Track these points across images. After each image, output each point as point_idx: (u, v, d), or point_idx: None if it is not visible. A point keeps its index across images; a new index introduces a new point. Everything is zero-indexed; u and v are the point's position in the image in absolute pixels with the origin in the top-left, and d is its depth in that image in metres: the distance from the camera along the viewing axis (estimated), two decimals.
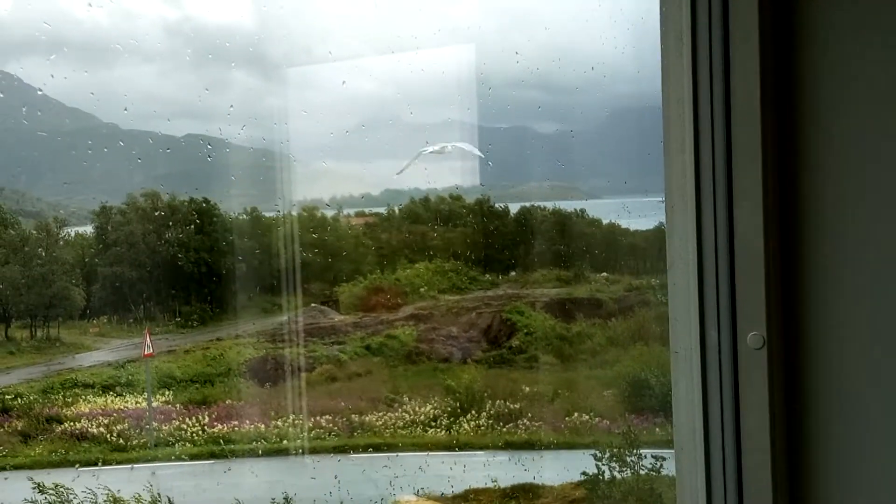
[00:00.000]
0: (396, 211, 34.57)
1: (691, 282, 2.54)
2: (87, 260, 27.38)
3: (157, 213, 26.18)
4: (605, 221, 33.88)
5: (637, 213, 29.69)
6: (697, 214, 2.52)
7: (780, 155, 2.45)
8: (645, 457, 14.28)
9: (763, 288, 2.41)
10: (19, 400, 19.95)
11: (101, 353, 23.91)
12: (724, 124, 2.47)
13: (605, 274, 27.13)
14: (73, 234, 28.01)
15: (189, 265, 26.19)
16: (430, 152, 18.37)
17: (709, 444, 2.54)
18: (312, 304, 24.91)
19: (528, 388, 20.56)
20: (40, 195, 29.25)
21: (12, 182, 29.14)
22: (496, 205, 33.69)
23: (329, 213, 32.06)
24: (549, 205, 33.68)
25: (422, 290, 26.52)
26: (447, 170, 27.55)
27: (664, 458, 13.95)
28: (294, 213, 29.00)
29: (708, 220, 2.51)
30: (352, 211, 34.15)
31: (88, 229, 28.26)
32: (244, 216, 29.81)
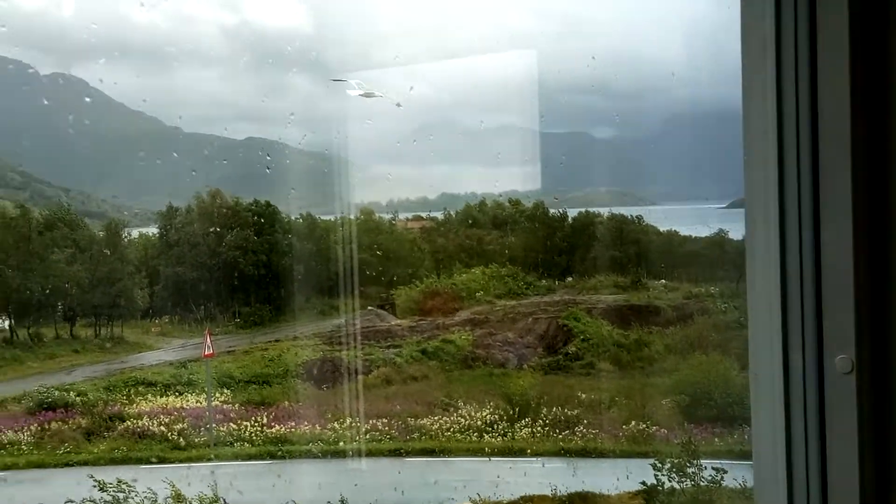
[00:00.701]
0: (453, 215, 34.61)
1: (773, 302, 2.43)
2: (150, 260, 27.87)
3: (219, 212, 26.53)
4: (662, 228, 33.52)
5: (696, 220, 29.32)
6: (781, 232, 2.42)
7: (871, 169, 2.35)
8: (705, 468, 14.02)
9: (852, 308, 2.30)
10: (83, 397, 20.33)
11: (162, 352, 24.32)
12: (811, 137, 2.37)
13: (663, 281, 26.82)
14: (136, 234, 28.54)
15: (249, 267, 26.50)
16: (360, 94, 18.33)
17: (792, 477, 2.43)
18: (369, 307, 25.03)
19: (584, 395, 20.34)
20: (105, 196, 29.82)
21: (79, 184, 29.76)
22: (553, 210, 33.55)
23: (386, 217, 32.22)
24: (606, 210, 33.42)
25: (478, 294, 26.49)
26: (505, 174, 27.48)
27: (725, 471, 13.69)
28: (351, 216, 29.18)
29: (793, 237, 2.40)
30: (409, 215, 34.25)
31: (152, 230, 28.76)
32: (303, 219, 30.06)
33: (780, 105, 2.43)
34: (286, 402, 20.77)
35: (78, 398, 20.24)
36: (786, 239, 2.41)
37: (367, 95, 18.01)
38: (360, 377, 21.42)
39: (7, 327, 24.04)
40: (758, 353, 2.54)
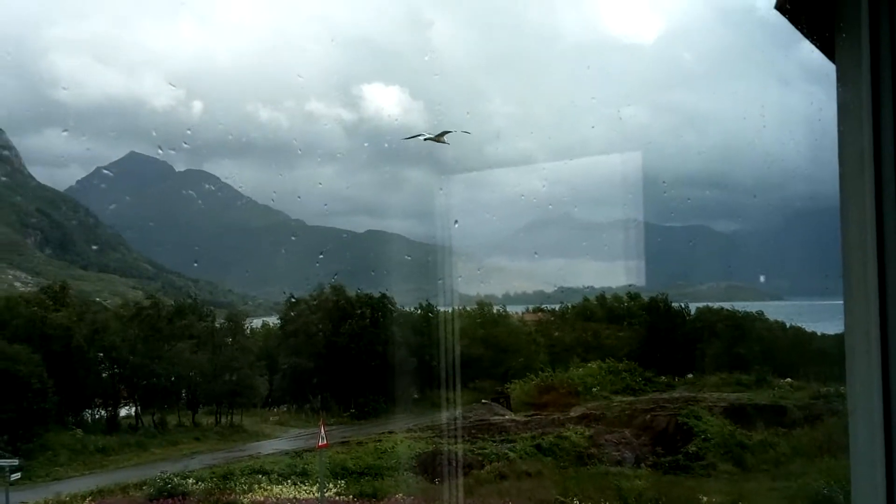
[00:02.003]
0: (570, 308, 34.34)
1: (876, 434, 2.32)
2: (270, 350, 28.56)
3: (339, 305, 27.09)
4: (787, 324, 32.39)
5: (822, 317, 28.18)
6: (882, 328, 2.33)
7: None
8: None
9: None
10: (201, 484, 20.72)
11: (279, 441, 24.68)
12: None
13: (788, 379, 25.80)
14: (259, 324, 29.35)
15: (364, 357, 26.83)
16: (425, 139, 18.06)
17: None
18: (483, 400, 24.88)
19: (705, 498, 19.50)
20: (231, 286, 31.02)
21: (207, 274, 31.11)
22: (673, 304, 32.88)
23: (501, 310, 32.22)
24: (728, 305, 32.54)
25: (594, 389, 26.03)
26: (623, 268, 27.24)
27: None
28: (467, 308, 29.33)
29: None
30: (525, 307, 34.18)
31: (273, 320, 29.55)
32: (418, 310, 30.37)
33: (879, 219, 2.37)
34: (399, 495, 20.66)
35: (197, 485, 20.65)
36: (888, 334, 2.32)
37: (438, 140, 18.10)
38: (474, 471, 21.16)
39: (133, 414, 24.90)
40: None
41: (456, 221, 22.66)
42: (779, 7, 2.75)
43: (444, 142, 17.04)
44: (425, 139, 16.91)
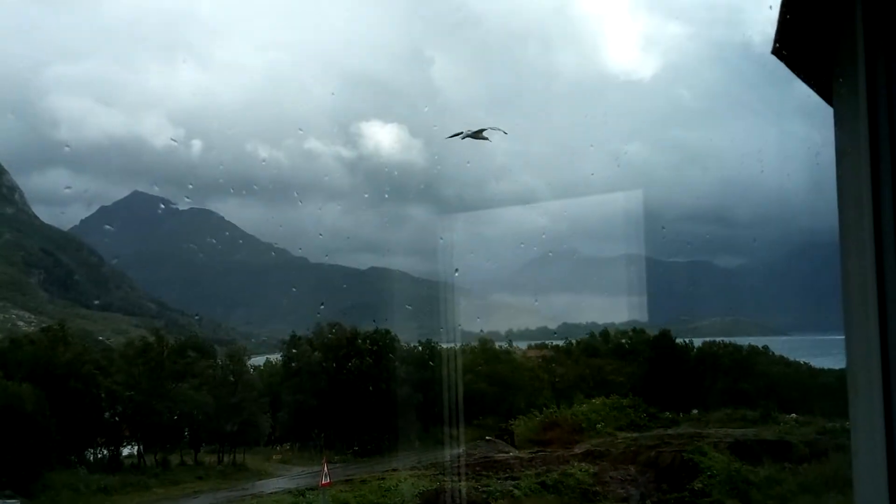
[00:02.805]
0: (574, 344, 34.24)
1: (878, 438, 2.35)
2: (273, 388, 28.49)
3: (342, 342, 27.06)
4: (792, 359, 32.24)
5: (826, 351, 28.06)
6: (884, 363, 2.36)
7: None
8: None
9: None
10: None
11: (282, 479, 24.51)
12: None
13: (794, 415, 25.65)
14: (262, 361, 29.31)
15: (368, 395, 26.75)
16: (464, 137, 17.72)
17: None
18: (486, 437, 24.76)
19: None
20: (235, 324, 31.07)
21: (211, 312, 31.16)
22: (678, 339, 32.79)
23: (505, 346, 32.15)
24: (732, 340, 32.44)
25: (598, 425, 25.88)
26: (627, 304, 27.22)
27: None
28: (470, 344, 29.28)
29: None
30: (528, 343, 34.10)
31: (277, 357, 29.53)
32: (421, 347, 30.32)
33: (879, 265, 2.39)
34: None
35: None
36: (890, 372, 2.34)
37: (477, 137, 17.87)
38: None
39: (136, 453, 24.78)
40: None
41: (456, 270, 22.64)
42: (775, 52, 2.81)
43: (484, 138, 16.93)
44: (464, 137, 16.80)
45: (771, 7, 2.69)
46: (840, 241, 2.56)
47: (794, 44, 2.80)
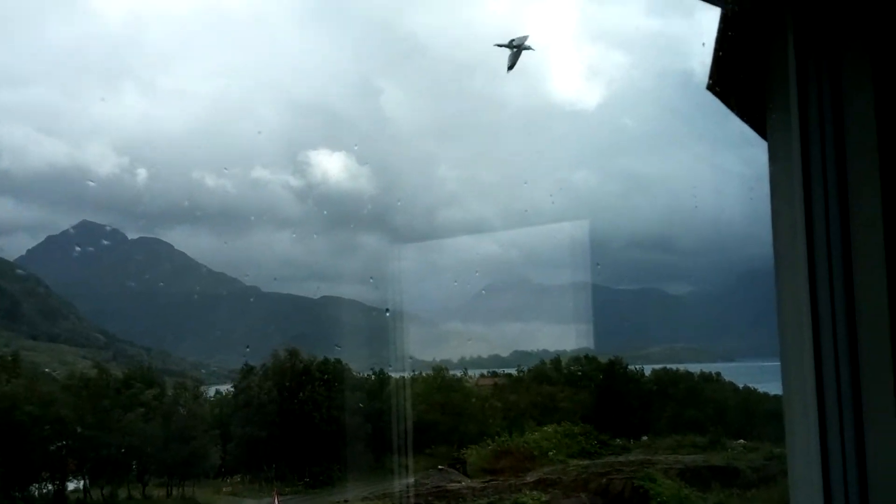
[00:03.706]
0: (526, 372, 34.35)
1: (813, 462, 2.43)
2: (224, 418, 28.12)
3: (293, 372, 26.84)
4: (740, 385, 32.70)
5: (773, 377, 28.48)
6: (819, 390, 2.45)
7: None
8: None
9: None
10: None
11: None
12: (847, 334, 2.42)
13: (741, 441, 25.99)
14: (212, 392, 28.97)
15: (320, 425, 26.54)
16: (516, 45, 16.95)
17: None
18: (439, 466, 24.67)
19: None
20: (185, 354, 30.62)
21: (160, 342, 30.68)
22: (629, 366, 33.08)
23: (457, 374, 32.14)
24: (682, 367, 32.84)
25: (550, 453, 25.94)
26: (578, 331, 27.41)
27: None
28: (422, 373, 29.24)
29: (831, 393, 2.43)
30: (481, 372, 34.13)
31: (227, 387, 29.20)
32: (373, 376, 30.21)
33: (814, 301, 2.49)
34: None
35: None
36: (825, 396, 2.43)
37: (515, 48, 17.03)
38: None
39: (81, 487, 24.27)
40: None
41: (409, 289, 22.69)
42: (710, 88, 2.93)
43: (528, 47, 16.36)
44: (504, 46, 16.18)
45: (704, 44, 2.81)
46: (775, 273, 2.66)
47: (728, 80, 2.92)
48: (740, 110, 3.06)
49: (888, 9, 2.42)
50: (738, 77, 2.91)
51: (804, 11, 2.49)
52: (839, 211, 2.50)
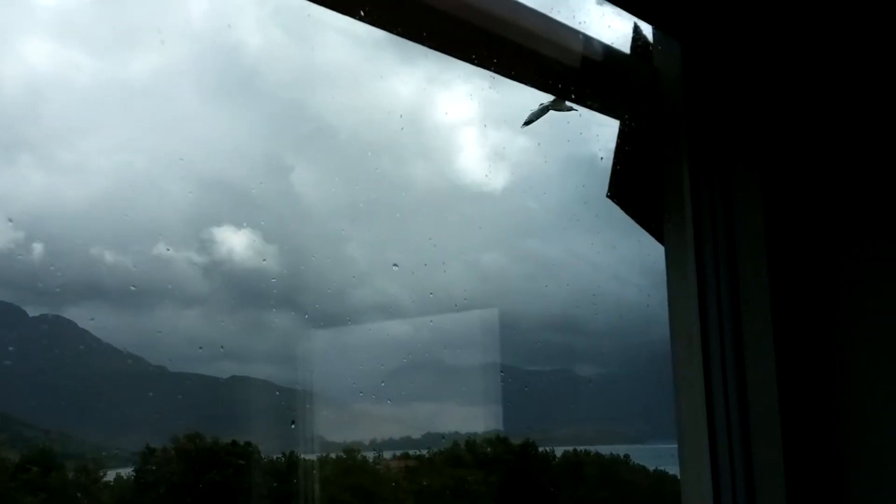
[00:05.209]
0: (438, 454, 33.94)
1: None
2: (126, 503, 26.96)
3: (200, 455, 26.00)
4: (651, 468, 32.94)
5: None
6: (714, 469, 2.56)
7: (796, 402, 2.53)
8: None
9: None
10: None
11: None
12: (740, 421, 2.56)
13: None
14: (113, 476, 27.80)
15: None
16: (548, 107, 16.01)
17: None
18: None
19: None
20: (85, 437, 29.27)
21: (60, 424, 29.27)
22: (540, 448, 32.98)
23: (369, 456, 31.59)
24: (594, 449, 32.92)
25: None
26: (489, 413, 27.41)
27: None
28: (333, 455, 28.71)
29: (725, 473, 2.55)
30: (392, 454, 33.61)
31: (129, 471, 28.02)
32: (283, 458, 29.48)
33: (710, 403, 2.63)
34: None
35: None
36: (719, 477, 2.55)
37: (559, 109, 16.04)
38: None
39: None
40: None
41: (320, 369, 22.45)
42: (610, 196, 3.13)
43: (569, 108, 15.58)
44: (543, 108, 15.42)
45: (602, 158, 3.01)
46: (673, 374, 2.81)
47: (626, 192, 3.13)
48: (638, 218, 3.25)
49: (775, 131, 2.66)
50: (635, 189, 3.10)
51: (698, 131, 2.71)
52: (731, 312, 2.69)
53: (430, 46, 2.69)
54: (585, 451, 31.01)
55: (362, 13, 2.38)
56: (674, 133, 2.88)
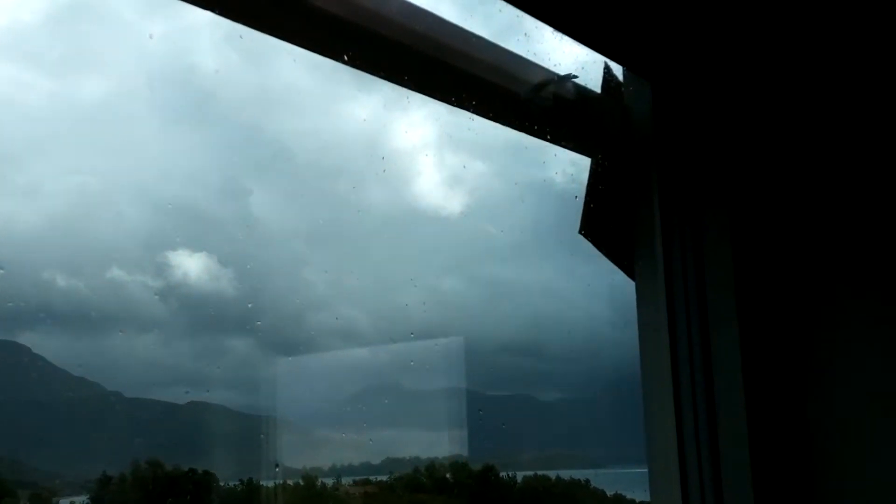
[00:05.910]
0: (398, 479, 33.61)
1: None
2: None
3: (157, 482, 25.47)
4: (610, 492, 32.90)
5: (642, 485, 28.85)
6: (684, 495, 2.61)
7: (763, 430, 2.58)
8: None
9: None
10: None
11: None
12: (709, 447, 2.61)
13: None
14: None
15: None
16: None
17: None
18: None
19: None
20: (38, 465, 28.58)
21: (12, 452, 28.55)
22: (502, 473, 32.80)
23: (329, 483, 31.19)
24: (554, 473, 32.82)
25: None
26: (450, 437, 27.26)
27: None
28: (292, 481, 28.29)
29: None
30: (352, 479, 33.23)
31: (83, 499, 27.40)
32: (241, 485, 29.01)
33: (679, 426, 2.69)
34: None
35: None
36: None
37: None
38: None
39: None
40: None
41: (278, 394, 22.15)
42: (581, 232, 3.18)
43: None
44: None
45: (577, 197, 3.06)
46: (644, 408, 2.86)
47: (598, 229, 3.18)
48: (609, 254, 3.30)
49: (744, 170, 2.73)
50: (606, 226, 3.15)
51: (668, 169, 2.77)
52: (701, 345, 2.74)
53: (394, 82, 2.71)
54: (545, 475, 31.01)
55: (346, 58, 2.40)
56: (645, 171, 2.95)
